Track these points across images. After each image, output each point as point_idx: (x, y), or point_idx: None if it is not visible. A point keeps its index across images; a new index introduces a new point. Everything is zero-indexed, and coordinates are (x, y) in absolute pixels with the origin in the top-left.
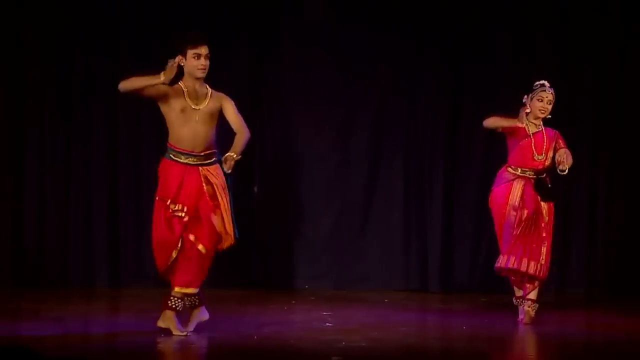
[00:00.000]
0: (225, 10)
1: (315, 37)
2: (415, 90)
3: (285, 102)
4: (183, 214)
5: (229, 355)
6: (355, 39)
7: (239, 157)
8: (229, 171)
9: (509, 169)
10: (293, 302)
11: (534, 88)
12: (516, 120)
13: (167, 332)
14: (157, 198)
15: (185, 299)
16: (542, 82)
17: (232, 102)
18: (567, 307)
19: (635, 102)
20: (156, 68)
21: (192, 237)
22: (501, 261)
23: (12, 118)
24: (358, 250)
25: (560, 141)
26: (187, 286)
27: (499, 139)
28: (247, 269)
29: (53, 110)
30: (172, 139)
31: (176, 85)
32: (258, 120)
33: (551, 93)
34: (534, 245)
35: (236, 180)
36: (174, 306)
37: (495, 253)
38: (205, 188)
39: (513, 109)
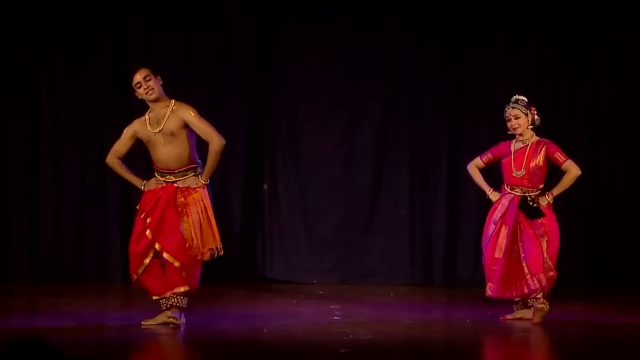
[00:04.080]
0: (231, 8)
1: (321, 38)
2: (420, 89)
3: (292, 102)
4: (151, 227)
5: (239, 347)
6: (360, 38)
7: (204, 182)
8: (192, 186)
9: (506, 186)
10: (302, 296)
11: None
12: (486, 188)
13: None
14: (138, 208)
15: (173, 298)
16: (509, 102)
17: (191, 110)
18: (565, 300)
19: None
20: (162, 65)
21: (157, 246)
22: (488, 291)
23: (29, 116)
24: (364, 246)
25: (558, 155)
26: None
27: (501, 137)
28: (256, 264)
29: (68, 108)
30: (154, 161)
31: (142, 117)
32: (267, 119)
33: (513, 107)
34: (516, 267)
35: (245, 179)
36: (163, 307)
37: None
38: (178, 201)
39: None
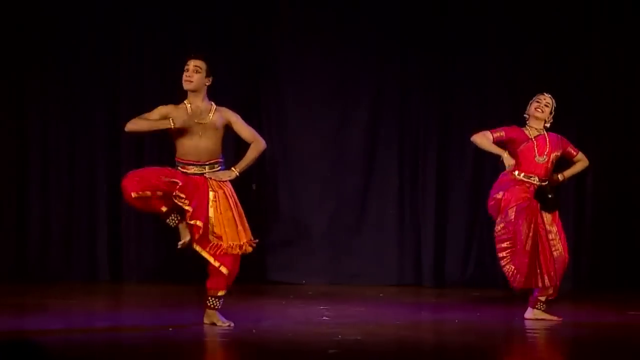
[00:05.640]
0: (221, 10)
1: (310, 38)
2: (409, 90)
3: (281, 103)
4: (188, 207)
5: (228, 348)
6: (349, 39)
7: (237, 174)
8: (224, 179)
9: (515, 173)
10: (291, 296)
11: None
12: (501, 151)
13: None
14: (166, 167)
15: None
16: (542, 93)
17: (239, 116)
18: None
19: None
20: (153, 68)
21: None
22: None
23: (16, 114)
24: (353, 246)
25: (570, 149)
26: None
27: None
28: (244, 264)
29: (56, 106)
30: (179, 153)
31: (180, 104)
32: (255, 119)
33: (549, 97)
34: (542, 258)
35: (234, 179)
36: (212, 306)
37: (486, 248)
38: (210, 195)
39: (503, 108)
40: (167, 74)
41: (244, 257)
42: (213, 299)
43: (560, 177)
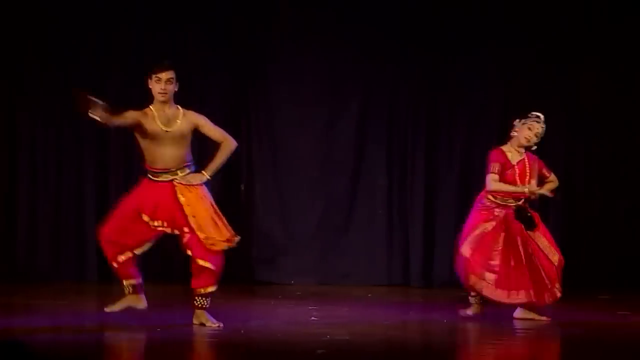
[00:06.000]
0: (210, 10)
1: (299, 39)
2: (397, 89)
3: (270, 103)
4: (169, 230)
5: (216, 348)
6: (339, 39)
7: (208, 178)
8: (194, 184)
9: (489, 196)
10: (279, 296)
11: (529, 116)
12: (520, 187)
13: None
14: (127, 199)
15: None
16: (538, 114)
17: (206, 118)
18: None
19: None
20: (139, 66)
21: (189, 252)
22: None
23: (4, 115)
24: (342, 246)
25: (545, 171)
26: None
27: (480, 139)
28: (233, 264)
29: (45, 107)
30: (148, 161)
31: (147, 110)
32: (244, 119)
33: (542, 127)
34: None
35: (223, 179)
36: (200, 305)
37: None
38: (181, 200)
39: (491, 109)
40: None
41: (235, 257)
42: (200, 297)
43: (532, 196)
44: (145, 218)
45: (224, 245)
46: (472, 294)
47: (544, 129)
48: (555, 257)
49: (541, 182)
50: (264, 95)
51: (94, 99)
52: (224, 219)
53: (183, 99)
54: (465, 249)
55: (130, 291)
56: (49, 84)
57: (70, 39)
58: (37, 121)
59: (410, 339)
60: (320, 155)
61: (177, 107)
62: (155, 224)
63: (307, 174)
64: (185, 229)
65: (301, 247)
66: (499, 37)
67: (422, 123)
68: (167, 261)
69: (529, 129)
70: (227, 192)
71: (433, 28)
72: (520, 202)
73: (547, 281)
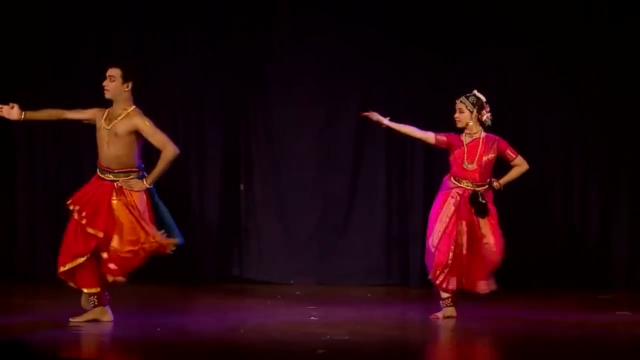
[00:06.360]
0: (207, 12)
1: (297, 39)
2: (397, 89)
3: (269, 103)
4: (77, 215)
5: (216, 347)
6: (336, 39)
7: (147, 186)
8: (135, 190)
9: (452, 178)
10: (278, 296)
11: None
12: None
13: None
14: (69, 201)
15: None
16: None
17: (147, 121)
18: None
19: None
20: (153, 69)
21: (104, 255)
22: (452, 284)
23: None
24: (341, 246)
25: (509, 151)
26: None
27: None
28: (233, 264)
29: (45, 107)
30: (98, 158)
31: (103, 108)
32: (243, 120)
33: (460, 102)
34: (476, 263)
35: (223, 180)
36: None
37: None
38: (114, 203)
39: (492, 109)
40: (155, 77)
41: (234, 257)
42: (92, 296)
43: (496, 185)
44: (76, 208)
45: (134, 247)
46: (443, 296)
47: (470, 99)
48: (495, 257)
49: (506, 163)
50: (263, 95)
51: None
52: (149, 227)
53: (183, 99)
54: (433, 242)
55: (96, 303)
56: (49, 84)
57: (70, 39)
58: (37, 121)
59: (409, 339)
60: (320, 155)
61: (127, 108)
62: (83, 215)
63: (306, 173)
64: (93, 231)
65: (300, 247)
66: (498, 37)
67: (421, 123)
68: (165, 263)
69: (453, 114)
70: (226, 192)
71: (433, 28)
72: (480, 188)
73: (482, 272)
